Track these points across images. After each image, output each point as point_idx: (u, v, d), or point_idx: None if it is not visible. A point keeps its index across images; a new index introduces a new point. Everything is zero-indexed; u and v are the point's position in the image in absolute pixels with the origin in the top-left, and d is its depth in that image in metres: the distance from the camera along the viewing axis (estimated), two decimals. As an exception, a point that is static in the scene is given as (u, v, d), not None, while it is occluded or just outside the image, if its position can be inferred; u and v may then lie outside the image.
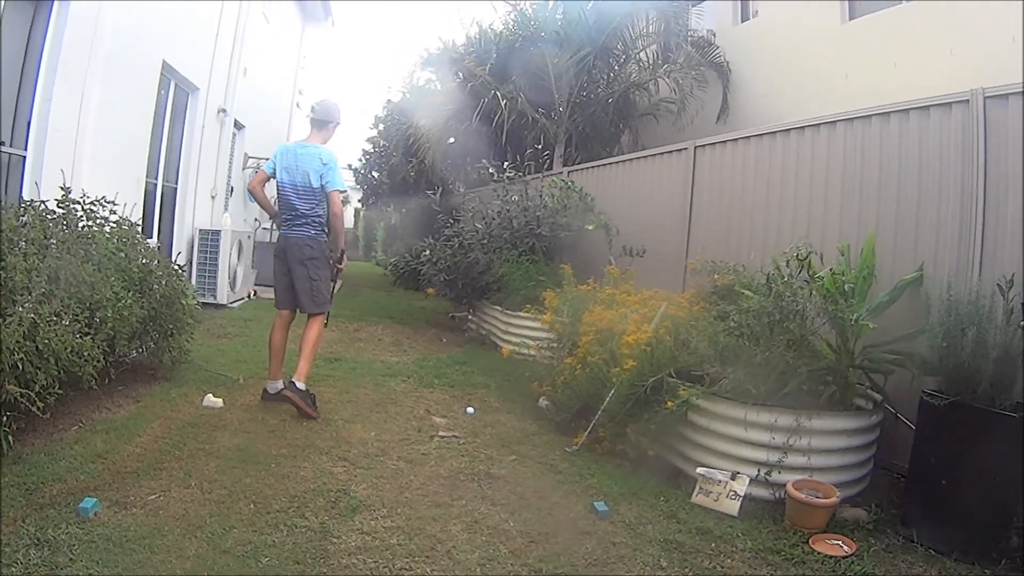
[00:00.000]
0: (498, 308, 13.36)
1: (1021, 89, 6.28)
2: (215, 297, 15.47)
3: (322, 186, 8.22)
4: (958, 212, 6.72)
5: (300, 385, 8.00)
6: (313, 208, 8.26)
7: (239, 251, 16.76)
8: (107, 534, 4.69)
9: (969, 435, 5.37)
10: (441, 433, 7.72)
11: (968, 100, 6.69)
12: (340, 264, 8.70)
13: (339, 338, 12.90)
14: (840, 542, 5.44)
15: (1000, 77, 6.73)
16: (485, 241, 13.97)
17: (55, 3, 9.26)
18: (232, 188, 19.98)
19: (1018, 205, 6.23)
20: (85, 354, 6.34)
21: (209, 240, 15.71)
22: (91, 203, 7.91)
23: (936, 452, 5.59)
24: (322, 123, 8.53)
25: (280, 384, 8.36)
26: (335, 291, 9.02)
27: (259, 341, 11.70)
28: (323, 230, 8.31)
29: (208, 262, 15.62)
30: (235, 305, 16.39)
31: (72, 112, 9.79)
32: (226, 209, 18.80)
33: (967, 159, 6.67)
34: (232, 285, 16.28)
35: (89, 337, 6.46)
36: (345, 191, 8.10)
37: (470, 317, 15.29)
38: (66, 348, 6.04)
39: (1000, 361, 5.36)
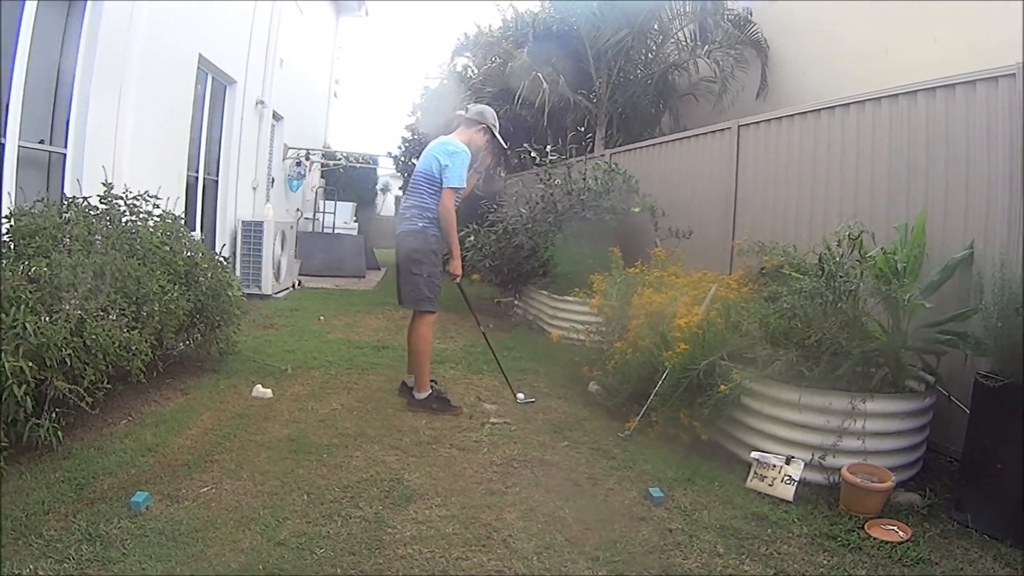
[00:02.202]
0: (544, 293, 13.34)
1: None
2: (260, 288, 15.62)
3: (439, 177, 7.94)
4: (1007, 188, 6.59)
5: (418, 396, 8.04)
6: (422, 199, 8.04)
7: (282, 241, 16.88)
8: (159, 528, 4.70)
9: (1023, 418, 5.26)
10: (492, 420, 7.71)
11: (1015, 74, 6.55)
12: (450, 270, 8.37)
13: (385, 326, 12.94)
14: (895, 527, 5.38)
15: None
16: (529, 226, 13.90)
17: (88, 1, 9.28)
18: (273, 179, 20.08)
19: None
20: (133, 348, 6.38)
21: (252, 231, 15.84)
22: (134, 198, 7.92)
23: (991, 435, 5.51)
24: (471, 122, 8.39)
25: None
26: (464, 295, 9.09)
27: (306, 331, 11.83)
28: (430, 223, 8.00)
29: (252, 253, 15.74)
30: (280, 295, 16.54)
31: (111, 108, 9.85)
32: (268, 200, 18.89)
33: (1015, 133, 6.52)
34: (276, 275, 16.40)
35: (136, 331, 6.52)
36: (460, 187, 7.96)
37: (516, 302, 15.33)
38: (114, 343, 6.07)
39: (1055, 342, 5.25)
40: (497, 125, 8.51)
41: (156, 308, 6.93)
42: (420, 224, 7.97)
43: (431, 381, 8.34)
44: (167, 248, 7.92)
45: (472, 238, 15.14)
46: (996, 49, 7.75)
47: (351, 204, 27.67)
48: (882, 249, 6.54)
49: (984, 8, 9.86)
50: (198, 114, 14.11)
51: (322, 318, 13.56)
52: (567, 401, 8.62)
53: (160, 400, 7.58)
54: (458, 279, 8.45)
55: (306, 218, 24.60)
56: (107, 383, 6.10)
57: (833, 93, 8.98)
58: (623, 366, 7.95)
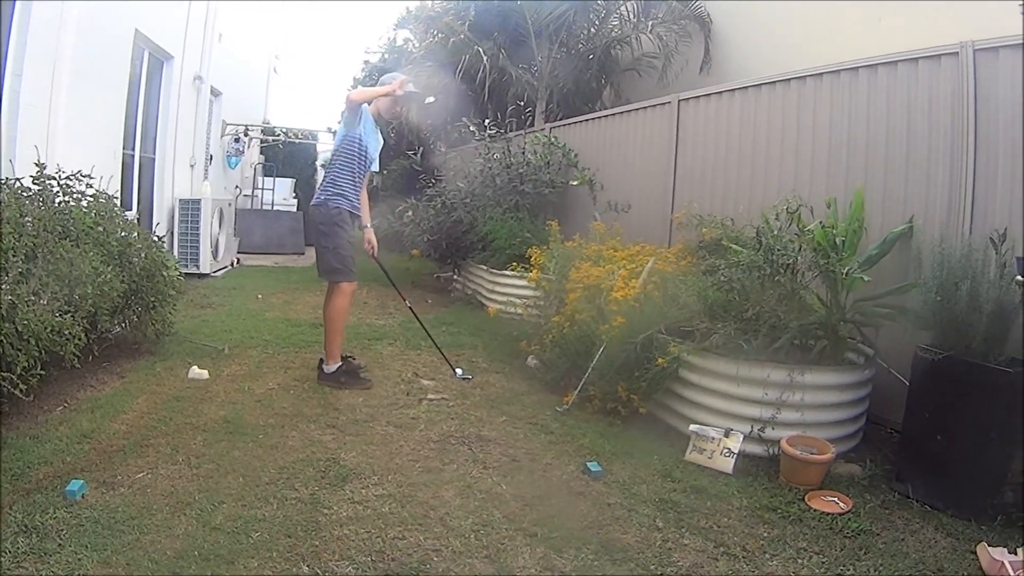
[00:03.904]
0: (483, 267, 13.34)
1: (1011, 43, 6.25)
2: (198, 267, 15.48)
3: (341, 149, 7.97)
4: (948, 165, 6.71)
5: (326, 369, 8.02)
6: (331, 173, 8.04)
7: (220, 219, 16.74)
8: (95, 516, 4.63)
9: (963, 390, 5.36)
10: (430, 396, 7.70)
11: (958, 52, 6.64)
12: (365, 245, 8.52)
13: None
14: (836, 498, 5.44)
15: (988, 33, 6.63)
16: (468, 200, 14.01)
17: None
18: (211, 156, 19.88)
19: (1009, 158, 6.23)
20: (66, 332, 6.26)
21: (189, 209, 15.67)
22: (67, 178, 7.80)
23: (930, 407, 5.62)
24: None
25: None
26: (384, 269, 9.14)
27: (243, 310, 11.80)
28: (333, 196, 7.93)
29: (189, 232, 15.57)
30: (219, 274, 16.42)
31: (44, 86, 9.67)
32: (206, 177, 18.75)
33: (957, 112, 6.63)
34: (214, 254, 16.27)
35: (69, 315, 6.39)
36: (351, 134, 7.85)
37: (455, 277, 15.34)
38: (46, 328, 5.96)
39: (994, 316, 5.34)
40: (403, 84, 8.14)
41: (89, 291, 6.80)
42: (323, 196, 7.96)
43: (348, 357, 8.33)
44: (100, 228, 7.79)
45: (411, 213, 15.15)
46: (940, 28, 7.82)
47: (290, 180, 27.47)
48: (820, 223, 6.59)
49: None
50: (134, 91, 13.89)
51: (260, 296, 13.52)
52: (505, 376, 8.66)
53: (96, 385, 7.48)
54: (374, 251, 8.63)
55: (245, 195, 24.41)
56: (41, 369, 6.00)
57: (776, 69, 9.00)
58: (561, 340, 8.00)
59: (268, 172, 26.57)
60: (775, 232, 6.76)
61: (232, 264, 18.04)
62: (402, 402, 7.51)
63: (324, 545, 4.48)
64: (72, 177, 7.87)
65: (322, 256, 8.06)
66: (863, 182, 7.24)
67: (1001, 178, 6.27)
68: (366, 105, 7.99)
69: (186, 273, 12.90)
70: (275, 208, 25.13)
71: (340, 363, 8.05)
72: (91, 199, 8.09)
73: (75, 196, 7.83)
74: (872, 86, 7.47)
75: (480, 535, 4.74)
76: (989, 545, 4.62)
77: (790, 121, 8.47)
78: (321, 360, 8.21)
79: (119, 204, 8.87)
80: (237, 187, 23.31)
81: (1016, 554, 4.48)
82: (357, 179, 8.07)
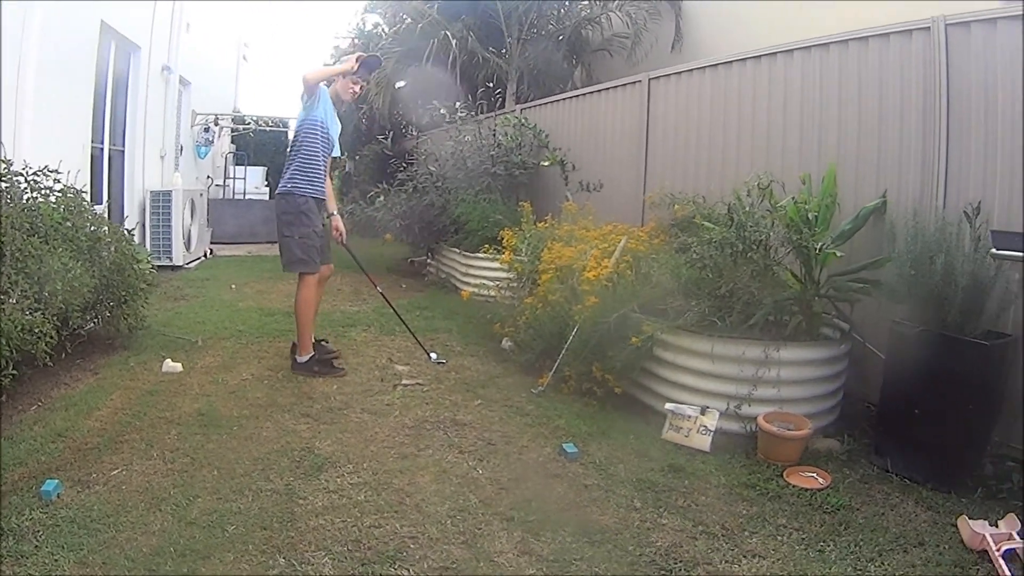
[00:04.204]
0: (456, 250, 13.37)
1: (983, 17, 6.25)
2: (171, 259, 15.39)
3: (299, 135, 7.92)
4: (920, 139, 6.70)
5: (299, 359, 7.99)
6: (290, 159, 7.95)
7: (192, 210, 16.64)
8: (71, 516, 4.60)
9: (940, 363, 5.35)
10: (404, 381, 7.68)
11: (929, 27, 6.62)
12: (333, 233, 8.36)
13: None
14: (815, 474, 5.47)
15: (960, 8, 6.62)
16: (439, 183, 14.02)
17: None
18: (182, 147, 19.74)
19: (981, 132, 6.22)
20: (37, 330, 6.20)
21: (161, 201, 15.55)
22: (34, 173, 7.70)
23: (907, 381, 5.60)
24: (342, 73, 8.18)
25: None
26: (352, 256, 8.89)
27: (217, 301, 11.76)
28: (300, 181, 7.80)
29: (161, 224, 15.47)
30: (192, 265, 16.31)
31: (10, 81, 9.57)
32: (177, 168, 18.62)
33: (929, 86, 6.63)
34: (187, 245, 16.17)
35: (40, 313, 6.31)
36: (312, 118, 7.76)
37: (429, 261, 15.33)
38: (16, 326, 5.90)
39: (969, 289, 5.36)
40: (358, 59, 8.12)
41: (59, 287, 6.72)
42: (289, 185, 7.83)
43: (322, 341, 8.32)
44: (69, 224, 7.70)
45: (382, 198, 15.12)
46: (911, 3, 7.81)
47: (262, 169, 27.34)
48: (792, 199, 6.59)
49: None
50: (102, 83, 13.82)
51: (233, 287, 13.47)
52: (480, 359, 8.67)
53: (70, 382, 7.42)
54: (342, 238, 8.40)
55: (217, 185, 24.28)
56: (13, 369, 5.97)
57: (748, 46, 8.98)
58: (534, 322, 8.00)
59: (239, 161, 26.45)
60: (747, 209, 6.76)
61: (205, 255, 17.93)
62: (376, 388, 7.49)
63: (300, 536, 4.47)
64: (40, 172, 7.78)
65: (285, 247, 7.94)
66: (835, 158, 7.24)
67: (974, 152, 6.27)
68: (324, 87, 7.94)
69: (159, 265, 12.93)
70: (247, 197, 25.01)
71: (312, 353, 8.00)
72: (59, 194, 7.99)
73: (43, 192, 7.74)
74: (843, 62, 7.46)
75: (456, 520, 4.73)
76: (970, 518, 4.63)
77: (761, 98, 8.46)
78: (294, 344, 8.18)
79: (88, 198, 8.79)
80: (209, 177, 23.17)
81: (997, 526, 4.50)
82: (322, 164, 7.96)
